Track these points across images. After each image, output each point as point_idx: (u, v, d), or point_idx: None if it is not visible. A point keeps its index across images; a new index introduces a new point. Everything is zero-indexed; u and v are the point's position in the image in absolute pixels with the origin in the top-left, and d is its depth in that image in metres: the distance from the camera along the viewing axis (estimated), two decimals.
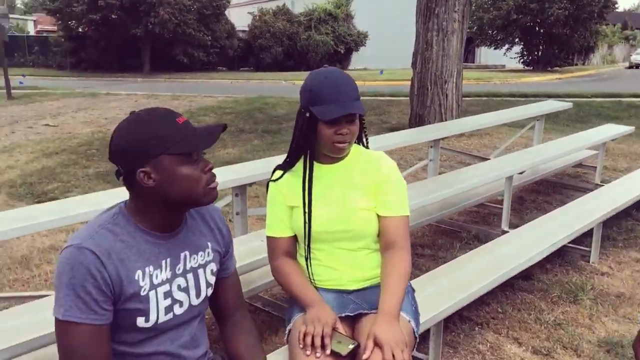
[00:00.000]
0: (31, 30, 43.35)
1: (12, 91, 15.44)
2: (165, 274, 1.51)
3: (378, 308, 1.85)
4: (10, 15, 24.83)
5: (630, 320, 3.20)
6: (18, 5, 62.51)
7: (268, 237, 2.04)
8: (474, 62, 36.37)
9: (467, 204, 4.47)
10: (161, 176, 1.43)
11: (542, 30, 28.48)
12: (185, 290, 1.56)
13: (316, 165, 1.96)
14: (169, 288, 1.52)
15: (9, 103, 14.25)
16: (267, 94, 15.29)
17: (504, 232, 4.38)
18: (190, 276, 1.58)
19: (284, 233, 2.02)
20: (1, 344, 1.85)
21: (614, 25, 44.31)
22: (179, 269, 1.55)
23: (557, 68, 29.66)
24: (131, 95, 16.02)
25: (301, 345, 1.77)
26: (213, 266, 1.66)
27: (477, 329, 3.10)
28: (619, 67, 35.94)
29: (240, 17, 33.55)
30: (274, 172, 2.05)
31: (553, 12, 26.47)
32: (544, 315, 3.22)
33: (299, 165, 1.98)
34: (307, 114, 1.87)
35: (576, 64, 34.44)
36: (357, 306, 1.97)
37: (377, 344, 1.72)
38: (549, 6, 26.54)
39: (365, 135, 2.08)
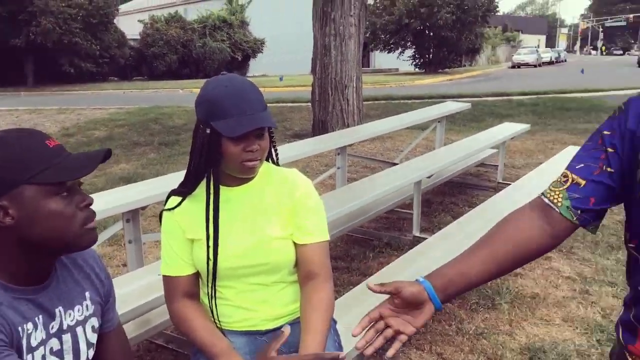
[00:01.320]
0: None
1: None
2: (41, 334, 1.20)
3: (300, 346, 1.59)
4: None
5: (548, 322, 3.17)
6: None
7: (164, 277, 1.72)
8: (369, 67, 37.17)
9: (378, 211, 4.33)
10: (21, 212, 1.12)
11: (431, 34, 29.62)
12: (59, 354, 1.24)
13: (221, 189, 1.67)
14: (44, 352, 1.21)
15: None
16: (163, 103, 14.60)
17: (416, 238, 4.31)
18: (67, 337, 1.27)
19: (183, 271, 1.70)
20: None
21: (496, 28, 47.09)
22: (52, 328, 1.23)
23: (447, 70, 30.98)
24: (12, 110, 14.74)
25: None
26: (94, 321, 1.35)
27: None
28: (503, 67, 38.19)
29: (130, 26, 32.18)
30: (168, 198, 1.74)
31: (441, 16, 27.59)
32: (464, 325, 3.11)
33: (199, 189, 1.68)
34: (208, 130, 1.57)
35: (464, 66, 36.18)
36: None
37: None
38: (438, 10, 27.65)
39: (275, 151, 1.80)
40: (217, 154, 1.57)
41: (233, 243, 1.66)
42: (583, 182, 1.13)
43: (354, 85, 8.67)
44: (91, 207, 1.23)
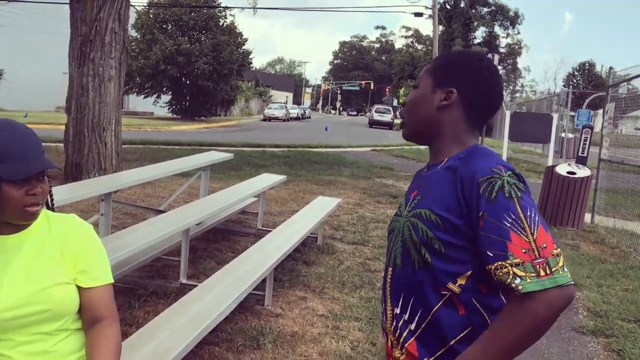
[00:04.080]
0: None
1: None
2: None
3: None
4: None
5: (307, 357, 3.49)
6: None
7: None
8: (122, 108, 36.00)
9: (145, 259, 4.29)
10: None
11: (188, 82, 30.03)
12: None
13: None
14: None
15: None
16: None
17: (182, 285, 4.35)
18: None
19: None
20: None
21: (249, 82, 49.73)
22: None
23: (203, 118, 31.57)
24: None
25: None
26: None
27: None
28: (256, 119, 40.31)
29: None
30: None
31: (199, 66, 28.24)
32: None
33: None
34: None
35: (219, 115, 37.27)
36: None
37: None
38: (195, 60, 28.24)
39: (51, 195, 1.77)
40: None
41: (12, 292, 1.59)
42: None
43: (113, 129, 8.41)
44: None
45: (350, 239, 6.35)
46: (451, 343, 1.36)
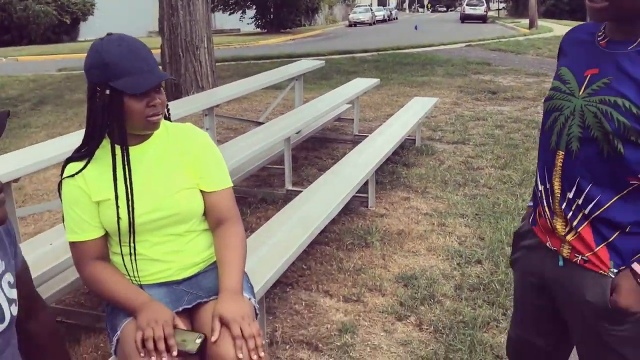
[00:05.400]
0: None
1: None
2: None
3: (219, 286, 1.73)
4: None
5: (415, 253, 3.57)
6: None
7: (73, 243, 1.74)
8: (211, 27, 36.35)
9: (251, 169, 4.46)
10: None
11: None
12: None
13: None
14: None
15: None
16: None
17: (289, 191, 4.51)
18: None
19: (92, 235, 1.74)
20: None
21: None
22: None
23: (288, 29, 31.26)
24: None
25: (142, 354, 1.56)
26: (9, 277, 1.30)
27: (288, 290, 3.15)
28: (341, 26, 39.39)
29: None
30: (64, 166, 1.74)
31: None
32: (344, 264, 3.40)
33: (100, 153, 1.71)
34: (108, 91, 1.60)
35: (304, 25, 36.75)
36: (192, 297, 1.81)
37: (223, 322, 1.62)
38: None
39: (167, 106, 1.86)
40: (120, 113, 1.62)
41: (144, 198, 1.72)
42: None
43: (205, 46, 8.55)
44: None
45: (450, 138, 6.23)
46: (627, 230, 1.36)
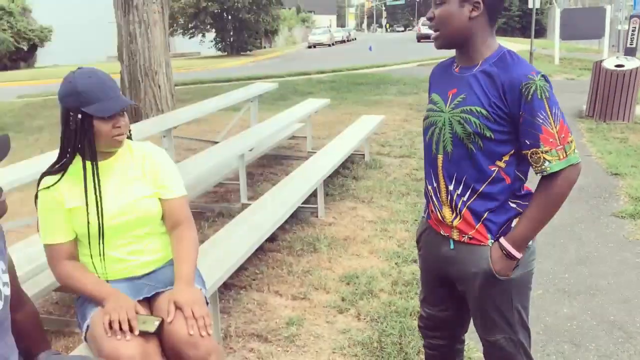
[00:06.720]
0: None
1: None
2: None
3: (174, 277, 2.06)
4: None
5: (358, 256, 3.93)
6: None
7: (47, 245, 2.05)
8: (170, 51, 36.56)
9: (207, 185, 4.77)
10: None
11: (230, 17, 30.06)
12: None
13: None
14: None
15: None
16: None
17: (244, 205, 4.82)
18: None
19: (65, 238, 2.05)
20: None
21: (290, 9, 49.01)
22: None
23: (248, 52, 31.72)
24: None
25: (109, 334, 1.87)
26: (2, 265, 1.59)
27: (242, 292, 3.46)
28: (300, 47, 40.04)
29: None
30: (40, 180, 2.06)
31: None
32: (293, 268, 3.73)
33: (72, 168, 2.03)
34: (79, 116, 1.93)
35: (264, 47, 37.29)
36: (151, 288, 2.12)
37: (177, 306, 1.95)
38: None
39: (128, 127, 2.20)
40: (91, 134, 1.95)
41: (111, 205, 2.04)
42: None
43: (164, 71, 8.83)
44: None
45: (397, 153, 6.66)
46: (494, 208, 1.77)
